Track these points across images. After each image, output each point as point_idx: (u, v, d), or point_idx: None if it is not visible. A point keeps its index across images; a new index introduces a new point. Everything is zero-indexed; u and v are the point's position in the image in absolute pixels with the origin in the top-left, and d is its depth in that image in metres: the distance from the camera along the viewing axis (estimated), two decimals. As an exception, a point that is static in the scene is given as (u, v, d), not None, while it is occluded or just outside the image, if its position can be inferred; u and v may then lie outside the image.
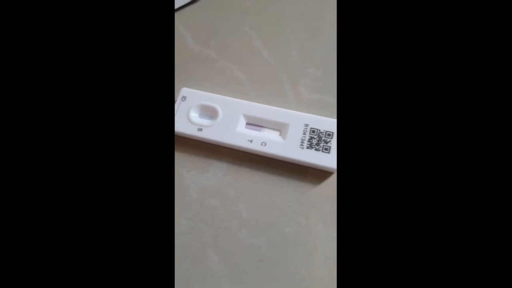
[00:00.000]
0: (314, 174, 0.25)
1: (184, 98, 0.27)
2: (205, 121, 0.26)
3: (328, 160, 0.24)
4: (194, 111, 0.26)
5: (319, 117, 0.25)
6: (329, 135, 0.24)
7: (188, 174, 0.25)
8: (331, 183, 0.25)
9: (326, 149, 0.24)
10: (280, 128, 0.25)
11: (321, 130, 0.25)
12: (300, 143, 0.24)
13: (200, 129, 0.26)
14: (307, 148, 0.24)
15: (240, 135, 0.25)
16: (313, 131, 0.25)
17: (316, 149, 0.24)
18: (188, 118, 0.26)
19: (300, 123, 0.25)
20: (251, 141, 0.25)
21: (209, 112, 0.26)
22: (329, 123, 0.25)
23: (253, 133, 0.25)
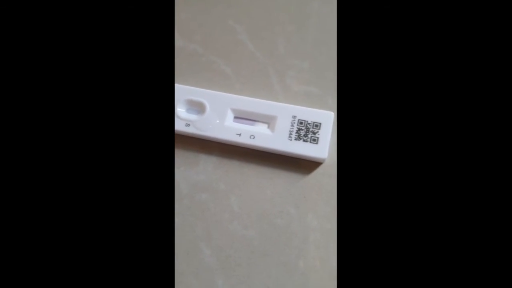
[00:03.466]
0: (303, 165, 0.25)
1: (170, 93, 0.27)
2: (192, 116, 0.26)
3: (316, 150, 0.24)
4: (180, 106, 0.26)
5: (306, 108, 0.25)
6: (316, 126, 0.25)
7: (178, 169, 0.25)
8: (320, 173, 0.25)
9: (314, 140, 0.24)
10: (268, 120, 0.26)
11: (309, 121, 0.25)
12: (288, 135, 0.25)
13: (187, 124, 0.26)
14: (295, 139, 0.25)
15: (228, 129, 0.25)
16: (301, 123, 0.25)
17: (304, 140, 0.24)
18: (175, 113, 0.26)
19: (288, 115, 0.25)
20: (239, 134, 0.25)
21: (196, 107, 0.26)
22: (317, 114, 0.25)
23: (241, 126, 0.25)
